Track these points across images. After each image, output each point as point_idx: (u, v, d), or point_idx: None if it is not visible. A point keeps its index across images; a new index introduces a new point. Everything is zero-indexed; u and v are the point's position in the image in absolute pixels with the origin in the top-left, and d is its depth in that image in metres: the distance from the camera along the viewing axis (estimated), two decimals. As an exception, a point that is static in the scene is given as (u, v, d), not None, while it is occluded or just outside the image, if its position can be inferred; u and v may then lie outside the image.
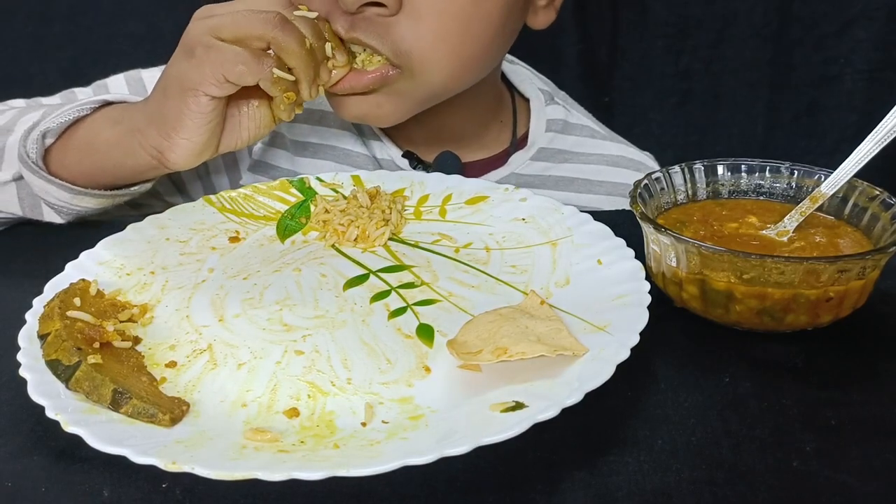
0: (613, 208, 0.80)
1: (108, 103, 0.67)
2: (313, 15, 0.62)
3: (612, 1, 1.20)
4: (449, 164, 0.78)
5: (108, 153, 0.65)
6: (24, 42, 1.13)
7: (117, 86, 0.79)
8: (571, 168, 0.82)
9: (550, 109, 0.83)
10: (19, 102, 0.78)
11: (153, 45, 1.12)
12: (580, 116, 0.86)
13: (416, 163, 0.79)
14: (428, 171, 0.75)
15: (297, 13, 0.61)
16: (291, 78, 0.59)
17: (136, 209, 0.73)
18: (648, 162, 0.86)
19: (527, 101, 0.84)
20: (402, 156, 0.79)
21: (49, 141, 0.66)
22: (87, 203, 0.67)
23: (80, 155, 0.66)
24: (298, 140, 0.81)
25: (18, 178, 0.68)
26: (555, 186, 0.81)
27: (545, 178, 0.81)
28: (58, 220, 0.68)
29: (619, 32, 1.22)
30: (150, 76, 0.79)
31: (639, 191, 0.58)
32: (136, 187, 0.68)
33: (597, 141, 0.85)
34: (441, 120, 0.76)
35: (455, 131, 0.79)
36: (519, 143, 0.83)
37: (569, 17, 1.20)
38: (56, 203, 0.67)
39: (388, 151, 0.80)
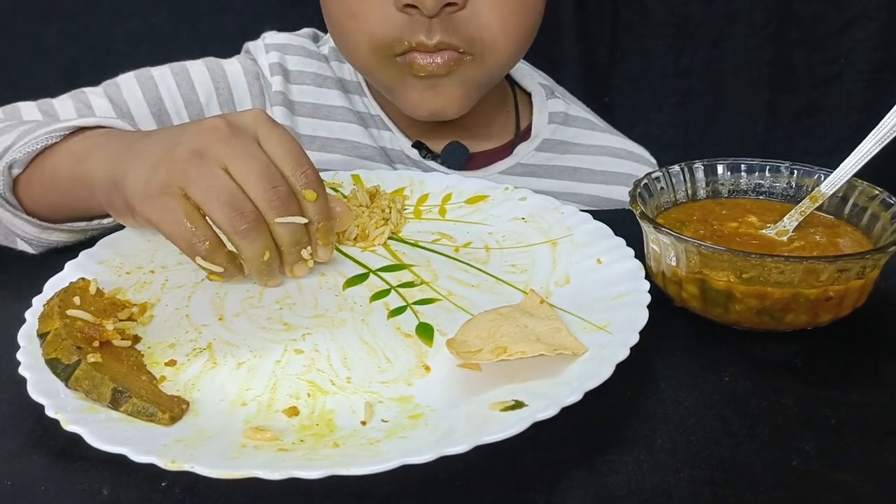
0: (615, 197, 0.84)
1: (80, 129, 0.62)
2: (303, 221, 0.54)
3: (612, 1, 1.20)
4: (457, 155, 0.81)
5: (69, 190, 0.60)
6: (24, 42, 1.13)
7: (128, 85, 0.78)
8: (573, 158, 0.86)
9: (552, 103, 0.87)
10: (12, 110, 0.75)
11: (153, 45, 1.12)
12: (579, 109, 0.91)
13: (426, 153, 0.81)
14: (437, 162, 0.80)
15: (281, 220, 0.52)
16: (219, 270, 0.53)
17: None
18: (645, 154, 0.90)
19: (527, 94, 0.88)
20: (412, 146, 0.81)
21: (16, 172, 0.62)
22: (57, 237, 0.64)
23: (43, 188, 0.62)
24: (307, 134, 0.82)
25: None
26: (559, 176, 0.85)
27: (549, 168, 0.85)
28: (30, 250, 0.65)
29: (619, 32, 1.22)
30: (159, 74, 0.79)
31: (638, 190, 0.58)
32: (107, 220, 0.63)
33: (596, 133, 0.89)
34: None
35: (464, 122, 0.81)
36: (523, 134, 0.86)
37: (569, 17, 1.20)
38: (25, 236, 0.64)
39: (398, 142, 0.82)
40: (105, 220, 0.63)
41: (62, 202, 0.61)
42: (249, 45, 0.85)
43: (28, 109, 0.75)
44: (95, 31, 1.14)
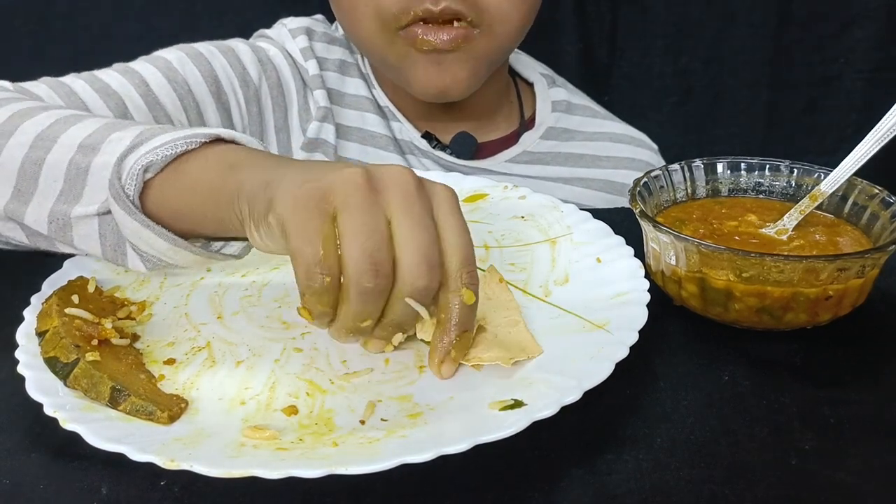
0: (618, 180, 0.86)
1: (219, 139, 0.52)
2: (427, 316, 0.47)
3: (612, 1, 1.20)
4: (466, 144, 0.83)
5: (206, 198, 0.50)
6: (24, 42, 1.13)
7: (181, 62, 0.75)
8: (578, 145, 0.88)
9: (554, 91, 0.89)
10: (41, 88, 0.69)
11: (152, 46, 1.12)
12: (581, 98, 0.93)
13: (435, 143, 0.83)
14: (446, 152, 0.81)
15: (410, 302, 0.45)
16: (316, 311, 0.46)
17: None
18: (646, 139, 0.92)
19: (529, 84, 0.90)
20: (422, 136, 0.83)
21: (149, 175, 0.51)
22: (183, 258, 0.52)
23: (177, 193, 0.51)
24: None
25: (104, 213, 0.52)
26: (564, 162, 0.86)
27: (555, 155, 0.86)
28: (141, 268, 0.53)
29: (619, 32, 1.22)
30: (208, 51, 0.77)
31: (638, 189, 0.58)
32: (235, 248, 0.54)
33: (598, 120, 0.91)
34: (460, 101, 0.80)
35: (471, 112, 0.83)
36: (527, 123, 0.88)
37: (569, 17, 1.20)
38: (147, 251, 0.52)
39: (408, 133, 0.83)
40: (240, 250, 0.54)
41: (190, 210, 0.51)
42: (269, 32, 0.85)
43: (72, 83, 0.70)
44: (95, 31, 1.14)
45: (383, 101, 0.83)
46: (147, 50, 0.79)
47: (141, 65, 0.74)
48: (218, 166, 0.50)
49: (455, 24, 0.72)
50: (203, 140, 0.51)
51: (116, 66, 0.74)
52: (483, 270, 0.55)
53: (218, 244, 0.53)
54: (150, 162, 0.50)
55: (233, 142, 0.52)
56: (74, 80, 0.70)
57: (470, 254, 0.46)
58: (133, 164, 0.50)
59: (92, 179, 0.53)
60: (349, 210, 0.43)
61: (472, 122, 0.84)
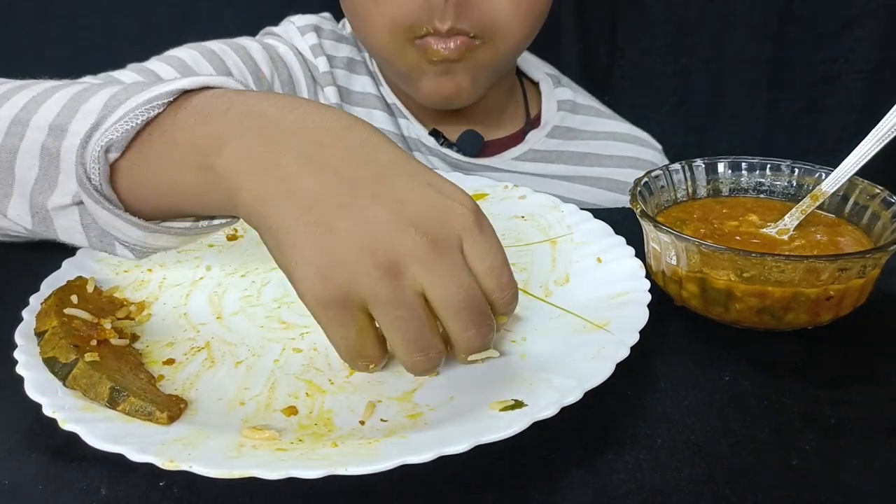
0: (623, 179, 0.87)
1: (184, 92, 0.46)
2: (495, 356, 0.48)
3: (612, 1, 1.20)
4: (473, 142, 0.84)
5: (194, 194, 0.46)
6: (24, 42, 1.13)
7: (194, 59, 0.75)
8: (583, 144, 0.89)
9: (559, 91, 0.90)
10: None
11: (153, 46, 1.12)
12: (585, 97, 0.94)
13: (442, 140, 0.83)
14: (453, 150, 0.82)
15: (473, 358, 0.46)
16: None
17: None
18: (650, 139, 0.94)
19: (534, 83, 0.91)
20: (429, 134, 0.83)
21: (113, 156, 0.46)
22: (166, 242, 0.49)
23: (153, 182, 0.47)
24: None
25: (80, 203, 0.49)
26: (569, 161, 0.87)
27: (560, 154, 0.87)
28: (130, 256, 0.50)
29: (619, 32, 1.22)
30: (220, 49, 0.76)
31: (639, 188, 0.58)
32: (218, 220, 0.50)
33: (603, 119, 0.92)
34: None
35: (478, 111, 0.84)
36: (533, 122, 0.89)
37: (568, 17, 1.20)
38: (127, 240, 0.49)
39: (415, 130, 0.83)
40: (225, 221, 0.50)
41: (183, 203, 0.47)
42: (276, 29, 0.85)
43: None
44: (95, 31, 1.13)
45: (391, 98, 0.83)
46: (147, 49, 0.78)
47: (155, 64, 0.74)
48: (188, 149, 0.45)
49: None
50: (167, 101, 0.45)
51: (131, 66, 0.74)
52: (525, 292, 0.54)
53: (206, 220, 0.50)
54: (110, 141, 0.45)
55: (206, 88, 0.47)
56: (92, 81, 0.69)
57: (501, 274, 0.44)
58: (93, 145, 0.45)
59: (64, 165, 0.48)
60: (378, 307, 0.42)
61: (479, 121, 0.85)
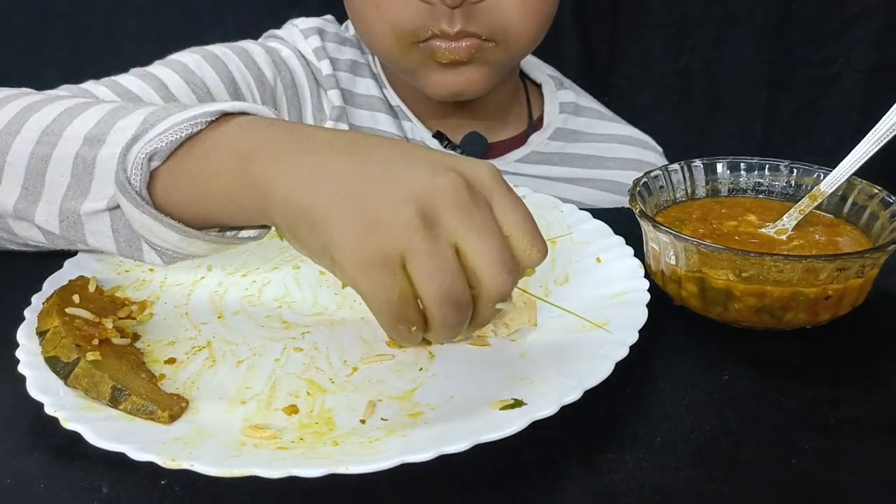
0: (624, 181, 0.87)
1: (225, 114, 0.49)
2: (518, 307, 0.51)
3: (612, 1, 1.20)
4: (476, 144, 0.84)
5: (230, 196, 0.48)
6: (24, 42, 1.13)
7: (197, 64, 0.75)
8: (585, 146, 0.89)
9: (562, 93, 0.90)
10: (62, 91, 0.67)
11: (153, 46, 1.12)
12: (588, 100, 0.94)
13: (446, 143, 0.83)
14: (457, 151, 0.82)
15: (499, 306, 0.46)
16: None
17: None
18: (651, 141, 0.94)
19: (537, 86, 0.91)
20: (433, 136, 0.83)
21: (155, 164, 0.48)
22: (198, 249, 0.51)
23: (192, 187, 0.49)
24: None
25: (114, 208, 0.51)
26: (571, 163, 0.88)
27: (563, 156, 0.88)
28: (158, 262, 0.52)
29: (619, 32, 1.22)
30: (222, 53, 0.76)
31: (638, 189, 0.58)
32: (251, 232, 0.51)
33: (605, 122, 0.93)
34: (471, 102, 0.81)
35: (482, 113, 0.84)
36: (535, 124, 0.89)
37: (569, 17, 1.20)
38: (160, 244, 0.50)
39: (419, 133, 0.83)
40: (255, 233, 0.51)
41: (201, 201, 0.49)
42: (279, 32, 0.85)
43: (93, 89, 0.69)
44: (95, 31, 1.14)
45: (394, 100, 0.84)
46: (147, 50, 0.79)
47: (158, 68, 0.74)
48: (228, 156, 0.48)
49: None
50: (209, 119, 0.48)
51: (134, 70, 0.74)
52: (525, 291, 0.54)
53: (233, 231, 0.51)
54: (154, 150, 0.48)
55: (243, 113, 0.50)
56: (96, 87, 0.70)
57: (530, 228, 0.46)
58: (137, 153, 0.48)
59: (99, 173, 0.51)
60: (416, 258, 0.43)
61: (483, 122, 0.85)
